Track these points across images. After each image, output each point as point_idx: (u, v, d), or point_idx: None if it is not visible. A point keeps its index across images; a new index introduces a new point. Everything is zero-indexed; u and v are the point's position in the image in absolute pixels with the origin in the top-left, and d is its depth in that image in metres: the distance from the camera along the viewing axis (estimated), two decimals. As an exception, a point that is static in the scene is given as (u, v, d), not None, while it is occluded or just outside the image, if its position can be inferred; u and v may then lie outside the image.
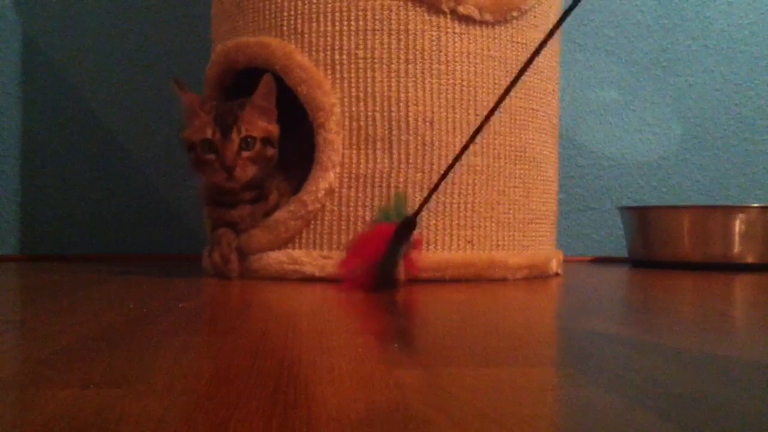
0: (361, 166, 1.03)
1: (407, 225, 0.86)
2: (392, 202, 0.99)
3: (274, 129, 1.04)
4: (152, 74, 1.58)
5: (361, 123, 1.03)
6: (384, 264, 0.85)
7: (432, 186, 0.91)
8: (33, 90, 1.56)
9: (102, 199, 1.58)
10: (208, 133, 1.00)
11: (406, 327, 0.64)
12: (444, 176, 0.88)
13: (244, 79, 1.13)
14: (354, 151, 1.03)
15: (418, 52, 1.03)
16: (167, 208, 1.58)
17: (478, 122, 1.06)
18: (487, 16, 1.06)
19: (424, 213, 1.03)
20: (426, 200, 0.90)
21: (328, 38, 1.04)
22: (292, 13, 1.05)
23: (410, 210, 0.89)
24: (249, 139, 1.01)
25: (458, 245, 1.05)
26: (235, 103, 1.03)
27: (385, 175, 1.02)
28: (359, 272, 0.87)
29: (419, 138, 1.03)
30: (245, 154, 1.00)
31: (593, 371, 0.44)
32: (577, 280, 1.14)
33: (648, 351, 0.50)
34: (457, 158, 0.87)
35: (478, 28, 1.06)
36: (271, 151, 1.03)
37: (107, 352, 0.47)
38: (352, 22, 1.03)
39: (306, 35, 1.04)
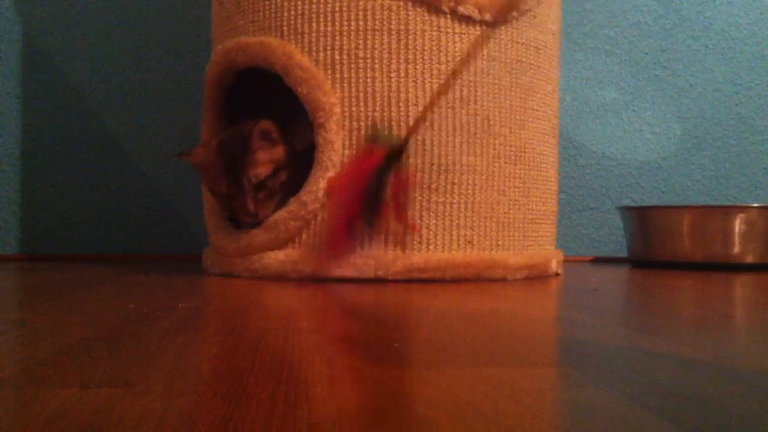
0: (361, 166, 1.02)
1: (395, 153, 0.81)
2: (382, 131, 0.94)
3: (282, 153, 1.04)
4: (152, 74, 1.58)
5: (361, 123, 1.03)
6: (370, 196, 0.80)
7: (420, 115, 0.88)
8: (33, 90, 1.56)
9: (102, 199, 1.58)
10: (224, 187, 1.03)
11: (406, 327, 0.64)
12: (432, 104, 0.86)
13: (244, 79, 1.13)
14: (354, 151, 1.03)
15: (418, 52, 1.03)
16: (167, 208, 1.58)
17: (478, 122, 1.07)
18: (487, 16, 1.06)
19: (423, 212, 1.03)
20: (415, 128, 0.86)
21: (328, 38, 1.04)
22: (292, 13, 1.05)
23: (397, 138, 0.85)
24: (261, 182, 1.02)
25: (458, 245, 1.05)
26: (239, 144, 1.02)
27: (385, 175, 1.02)
28: (344, 208, 0.83)
29: (419, 138, 1.03)
30: (262, 194, 1.03)
31: (593, 371, 0.44)
32: (577, 280, 1.14)
33: (648, 351, 0.50)
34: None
35: (478, 28, 1.06)
36: (283, 175, 1.04)
37: (107, 352, 0.47)
38: (352, 22, 1.03)
39: (306, 35, 1.04)
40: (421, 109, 1.03)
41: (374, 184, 0.80)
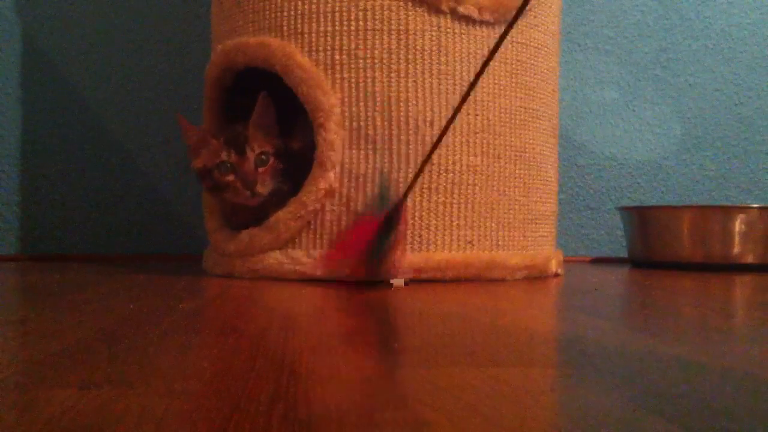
0: (361, 166, 1.03)
1: (396, 210, 0.87)
2: (378, 189, 0.98)
3: (279, 144, 1.05)
4: (152, 74, 1.58)
5: (361, 123, 1.03)
6: (375, 251, 0.86)
7: (420, 172, 0.92)
8: (33, 90, 1.56)
9: (102, 199, 1.58)
10: (224, 156, 1.03)
11: (406, 327, 0.64)
12: (430, 154, 0.90)
13: (244, 79, 1.13)
14: (354, 151, 1.03)
15: (418, 52, 1.03)
16: (167, 208, 1.58)
17: (478, 122, 1.07)
18: (487, 16, 1.06)
19: (423, 212, 1.03)
20: (414, 182, 0.91)
21: (328, 38, 1.04)
22: (292, 13, 1.05)
23: (394, 193, 0.91)
24: (263, 155, 1.03)
25: (458, 245, 1.05)
26: (239, 125, 1.05)
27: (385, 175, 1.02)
28: (348, 264, 0.89)
29: (419, 138, 1.03)
30: (261, 169, 1.03)
31: (593, 371, 0.44)
32: (577, 280, 1.14)
33: (648, 351, 0.50)
34: (442, 133, 0.88)
35: (478, 28, 1.06)
36: (281, 165, 1.05)
37: (107, 352, 0.47)
38: (352, 22, 1.03)
39: (306, 35, 1.04)
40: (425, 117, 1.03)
41: (378, 243, 0.87)
